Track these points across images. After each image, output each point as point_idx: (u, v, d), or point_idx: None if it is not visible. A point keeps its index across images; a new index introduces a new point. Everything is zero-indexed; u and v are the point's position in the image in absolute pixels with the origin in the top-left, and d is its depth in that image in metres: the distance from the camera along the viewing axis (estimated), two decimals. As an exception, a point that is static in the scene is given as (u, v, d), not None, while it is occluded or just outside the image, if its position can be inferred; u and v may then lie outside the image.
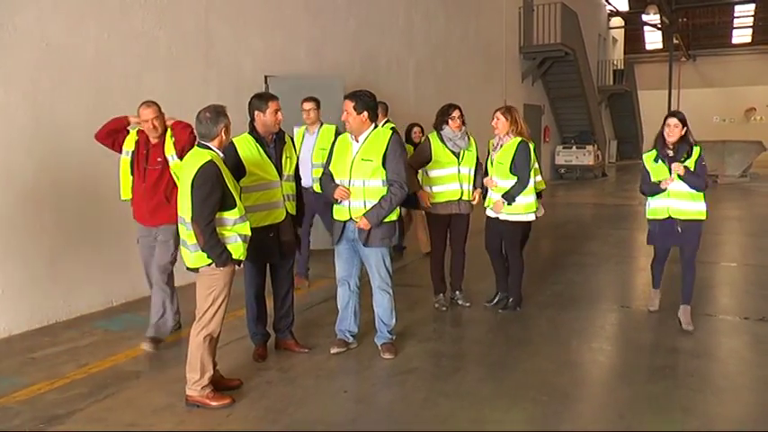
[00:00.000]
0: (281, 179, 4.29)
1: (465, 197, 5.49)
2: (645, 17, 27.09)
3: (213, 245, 3.62)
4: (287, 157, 4.36)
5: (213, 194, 3.58)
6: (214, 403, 3.73)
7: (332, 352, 4.55)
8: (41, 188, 5.34)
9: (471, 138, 5.57)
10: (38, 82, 5.32)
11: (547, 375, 4.26)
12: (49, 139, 5.40)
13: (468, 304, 5.71)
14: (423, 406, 3.84)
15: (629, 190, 16.96)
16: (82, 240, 5.63)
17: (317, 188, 5.81)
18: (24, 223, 5.22)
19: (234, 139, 4.17)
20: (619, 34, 30.06)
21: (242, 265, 3.97)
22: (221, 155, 3.75)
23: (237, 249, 3.74)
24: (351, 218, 4.37)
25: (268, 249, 4.30)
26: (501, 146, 5.30)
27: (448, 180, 5.42)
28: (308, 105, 6.12)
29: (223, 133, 3.72)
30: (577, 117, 19.76)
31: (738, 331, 5.22)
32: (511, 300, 5.59)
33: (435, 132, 5.49)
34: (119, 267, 5.86)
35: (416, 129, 7.76)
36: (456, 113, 5.42)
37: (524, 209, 5.33)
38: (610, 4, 26.66)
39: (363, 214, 4.30)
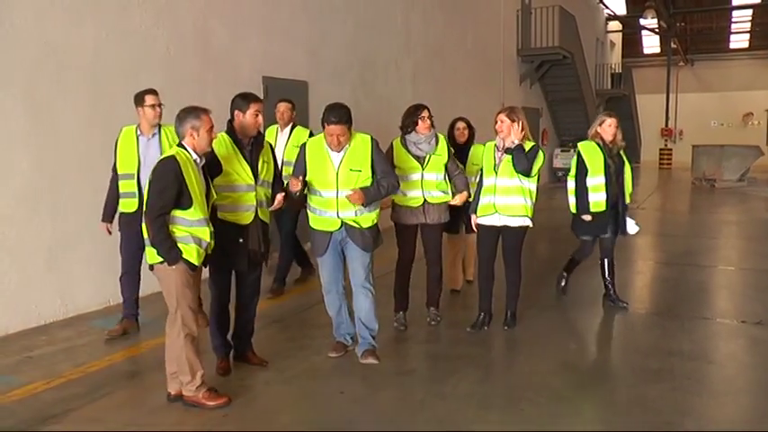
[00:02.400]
0: (255, 183, 4.10)
1: (433, 203, 5.05)
2: (642, 21, 27.21)
3: (161, 240, 3.56)
4: (264, 162, 4.17)
5: (168, 190, 3.54)
6: (210, 403, 3.72)
7: (330, 356, 4.48)
8: (39, 186, 5.33)
9: (442, 139, 5.15)
10: (36, 80, 5.31)
11: (544, 377, 4.25)
12: (46, 137, 5.39)
13: (434, 323, 5.23)
14: (420, 407, 3.83)
15: (626, 193, 16.98)
16: (79, 239, 5.61)
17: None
18: (21, 222, 5.21)
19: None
20: (617, 38, 30.13)
21: (196, 271, 3.76)
22: (194, 156, 3.68)
23: (190, 252, 3.62)
24: (343, 224, 4.28)
25: (234, 256, 4.10)
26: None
27: (410, 187, 4.99)
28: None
29: (194, 134, 3.66)
30: (575, 120, 19.75)
31: (736, 334, 5.22)
32: (509, 314, 5.19)
33: (399, 137, 5.10)
34: (115, 267, 5.85)
35: (460, 124, 6.14)
36: (425, 113, 5.04)
37: (525, 210, 4.95)
38: (607, 7, 26.71)
39: (360, 187, 4.18)
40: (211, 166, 3.94)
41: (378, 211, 4.41)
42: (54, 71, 5.48)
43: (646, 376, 4.27)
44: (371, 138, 4.31)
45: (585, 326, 5.41)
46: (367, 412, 3.76)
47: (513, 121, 4.87)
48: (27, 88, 5.25)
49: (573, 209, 5.78)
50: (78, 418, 3.68)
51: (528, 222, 4.98)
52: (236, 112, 4.07)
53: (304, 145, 4.38)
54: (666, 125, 28.78)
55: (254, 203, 4.10)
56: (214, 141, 3.94)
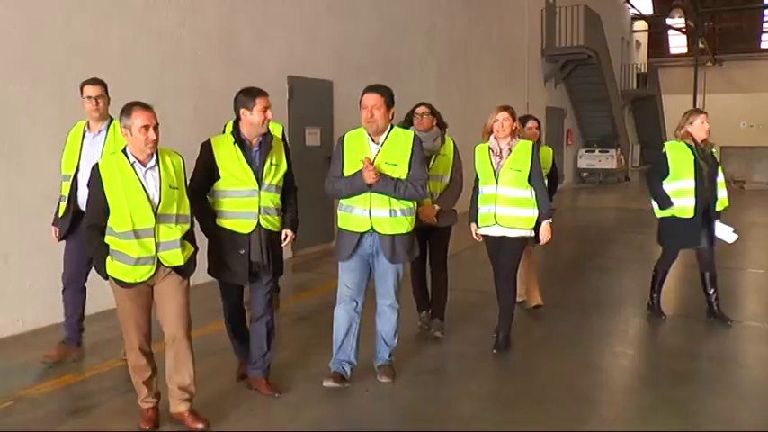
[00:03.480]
0: (259, 188, 3.66)
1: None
2: (669, 21, 26.80)
3: (92, 252, 3.41)
4: (272, 164, 3.72)
5: (92, 199, 3.33)
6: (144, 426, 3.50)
7: (324, 385, 3.91)
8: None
9: (450, 140, 4.90)
10: (65, 80, 5.39)
11: (569, 378, 4.22)
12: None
13: (438, 334, 4.90)
14: (444, 406, 3.83)
15: (652, 195, 16.77)
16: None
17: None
18: (52, 219, 5.29)
19: (212, 138, 3.77)
20: (642, 38, 29.77)
21: (136, 289, 3.38)
22: (131, 158, 3.27)
23: (116, 268, 3.30)
24: (372, 228, 3.85)
25: (233, 268, 3.72)
26: (510, 150, 4.46)
27: None
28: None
29: (127, 134, 3.26)
30: (600, 121, 19.59)
31: (765, 338, 5.14)
32: (501, 336, 4.67)
33: None
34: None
35: (532, 123, 5.61)
36: (421, 110, 4.79)
37: (529, 222, 4.48)
38: (633, 7, 26.41)
39: (383, 173, 3.78)
40: (210, 171, 3.66)
41: (413, 218, 3.96)
42: (82, 71, 5.54)
43: (673, 378, 4.21)
44: (415, 135, 3.98)
45: (610, 327, 5.35)
46: (391, 410, 3.76)
47: (515, 120, 4.47)
48: (57, 88, 5.33)
49: (657, 213, 5.38)
50: (105, 411, 3.74)
51: (529, 233, 4.54)
52: (241, 110, 3.68)
53: (342, 138, 4.00)
54: (693, 126, 28.35)
55: (256, 210, 3.68)
56: (214, 141, 3.71)
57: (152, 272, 3.31)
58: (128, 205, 3.21)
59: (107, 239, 3.29)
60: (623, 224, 11.96)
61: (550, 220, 4.50)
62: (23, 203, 5.20)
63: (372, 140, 3.88)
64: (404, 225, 3.89)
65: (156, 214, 3.26)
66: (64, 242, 4.43)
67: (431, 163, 4.71)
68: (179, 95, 6.47)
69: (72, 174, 4.26)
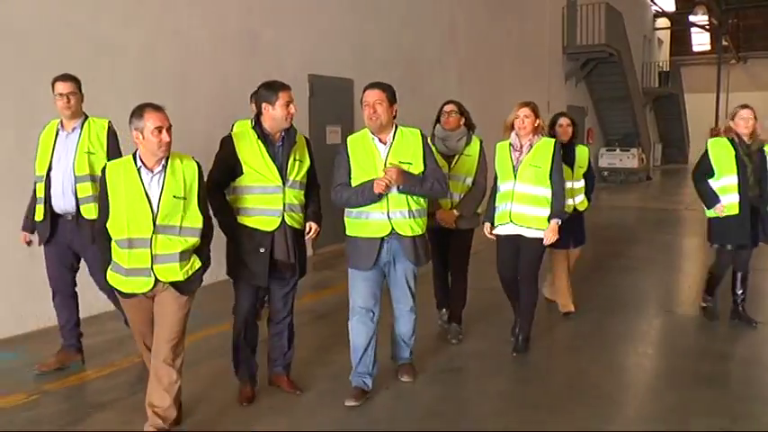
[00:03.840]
0: (283, 185, 3.58)
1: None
2: (692, 18, 26.50)
3: (99, 255, 3.36)
4: (296, 161, 3.64)
5: (100, 201, 3.22)
6: None
7: (347, 404, 3.73)
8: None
9: (477, 141, 4.75)
10: (89, 79, 5.43)
11: (592, 378, 4.19)
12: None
13: (455, 341, 4.78)
14: (465, 405, 3.82)
15: (674, 194, 16.60)
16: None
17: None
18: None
19: (234, 133, 3.73)
20: (665, 35, 29.44)
21: (135, 299, 3.26)
22: (139, 163, 3.12)
23: (111, 277, 3.22)
24: (393, 230, 3.67)
25: (253, 268, 3.60)
26: (531, 146, 4.33)
27: None
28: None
29: (138, 137, 3.07)
30: (622, 119, 19.41)
31: (792, 339, 5.05)
32: (521, 338, 4.58)
33: (431, 133, 4.74)
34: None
35: (564, 120, 5.31)
36: (448, 108, 4.68)
37: (544, 223, 4.32)
38: (655, 4, 26.15)
39: (402, 170, 3.62)
40: (232, 167, 3.56)
41: (425, 219, 3.85)
42: (106, 70, 5.62)
43: (698, 380, 4.16)
44: (421, 131, 3.83)
45: (633, 328, 5.30)
46: (412, 409, 3.75)
47: (537, 117, 4.32)
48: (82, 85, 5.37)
49: (707, 213, 5.19)
50: (127, 407, 3.76)
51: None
52: (263, 105, 3.56)
53: (345, 143, 3.83)
54: (716, 125, 28.00)
55: (281, 207, 3.58)
56: (235, 136, 3.61)
57: (150, 285, 3.14)
58: (126, 212, 3.06)
59: (113, 249, 3.19)
60: (645, 224, 11.84)
61: (559, 221, 4.32)
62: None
63: (380, 141, 3.71)
64: (420, 226, 3.78)
65: (154, 224, 3.08)
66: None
67: (453, 163, 4.64)
68: (200, 95, 6.51)
69: (44, 174, 4.05)
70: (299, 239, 3.73)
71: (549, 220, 4.28)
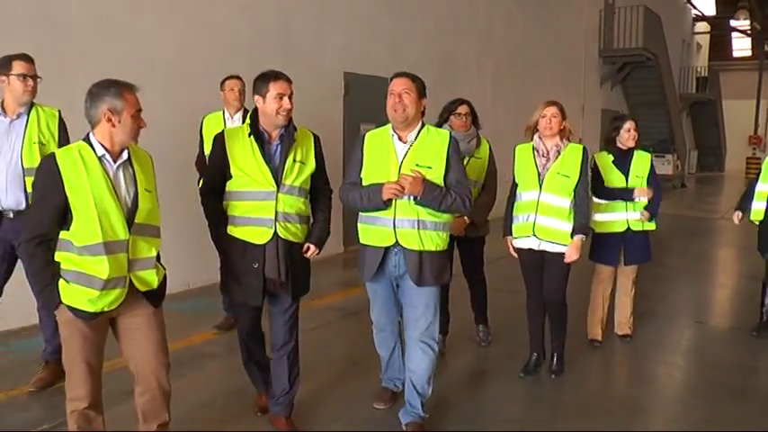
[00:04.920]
0: (277, 189, 3.09)
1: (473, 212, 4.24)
2: (733, 22, 26.04)
3: (35, 272, 2.62)
4: (295, 162, 3.15)
5: (43, 200, 2.55)
6: None
7: (375, 407, 3.69)
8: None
9: (486, 142, 4.50)
10: (128, 73, 5.51)
11: (620, 387, 4.17)
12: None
13: (484, 344, 4.74)
14: (494, 408, 3.81)
15: (709, 202, 16.33)
16: (163, 225, 5.82)
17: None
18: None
19: (226, 131, 3.27)
20: (704, 40, 28.93)
21: (97, 321, 2.65)
22: (101, 151, 2.56)
23: (75, 294, 2.56)
24: (396, 242, 3.19)
25: (245, 286, 3.19)
26: (559, 152, 3.96)
27: None
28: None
29: (112, 120, 2.54)
30: (657, 125, 19.11)
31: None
32: (555, 357, 4.29)
33: None
34: (197, 251, 6.05)
35: (629, 124, 4.67)
36: (462, 109, 4.34)
37: (567, 238, 3.97)
38: (695, 8, 25.69)
39: (423, 178, 3.11)
40: (222, 169, 3.15)
41: (446, 234, 3.30)
42: (144, 64, 5.72)
43: (728, 393, 4.10)
44: (451, 134, 3.34)
45: (663, 337, 5.23)
46: (439, 410, 3.76)
47: (564, 118, 3.96)
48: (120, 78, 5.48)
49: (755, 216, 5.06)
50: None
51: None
52: (256, 98, 3.13)
53: (362, 137, 3.42)
54: (756, 133, 27.44)
55: (273, 216, 3.10)
56: (227, 134, 3.19)
57: (122, 297, 2.62)
58: (96, 210, 2.50)
59: (58, 257, 2.58)
60: (678, 232, 11.66)
61: (584, 237, 3.98)
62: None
63: (400, 139, 3.25)
64: (434, 241, 3.21)
65: (129, 223, 2.59)
66: None
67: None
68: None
69: None
70: (295, 255, 3.20)
71: (572, 234, 3.94)
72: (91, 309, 2.57)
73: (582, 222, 3.94)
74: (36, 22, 5.01)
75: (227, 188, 3.16)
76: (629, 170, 4.63)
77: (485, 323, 4.82)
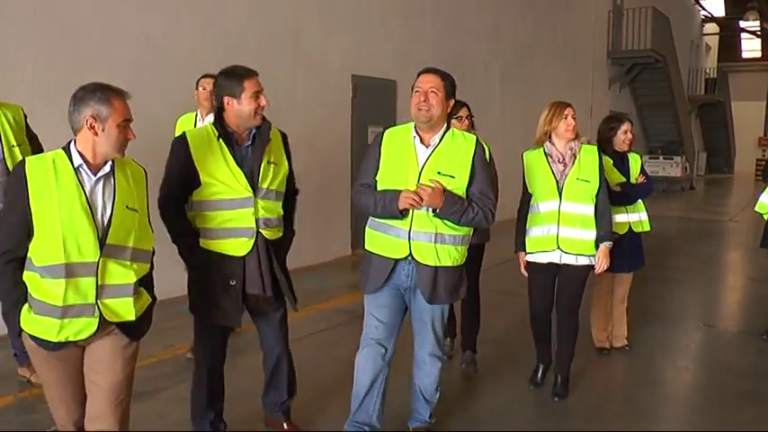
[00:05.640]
0: (254, 195, 2.85)
1: None
2: (743, 23, 25.92)
3: (3, 292, 2.34)
4: (270, 164, 2.91)
5: (9, 213, 2.28)
6: None
7: None
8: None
9: (485, 144, 4.39)
10: (138, 76, 5.57)
11: (630, 391, 4.14)
12: (146, 132, 5.64)
13: (471, 370, 4.27)
14: (502, 412, 3.80)
15: (718, 204, 16.25)
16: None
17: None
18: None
19: (187, 132, 2.94)
20: (712, 41, 28.81)
21: (64, 350, 2.34)
22: (78, 161, 2.27)
23: (33, 322, 2.28)
24: (410, 255, 2.92)
25: (223, 305, 2.88)
26: (574, 156, 3.72)
27: None
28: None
29: (96, 127, 2.25)
30: (665, 127, 19.07)
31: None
32: (560, 379, 3.98)
33: None
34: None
35: (627, 126, 4.50)
36: (464, 112, 4.11)
37: (593, 248, 3.74)
38: (704, 9, 25.58)
39: (444, 189, 2.86)
40: (186, 175, 2.83)
41: (465, 248, 3.06)
42: (154, 66, 5.75)
43: (738, 398, 4.07)
44: (478, 139, 3.07)
45: (673, 341, 5.20)
46: (450, 414, 3.75)
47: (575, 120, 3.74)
48: (129, 82, 5.47)
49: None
50: (170, 396, 3.86)
51: (593, 262, 3.80)
52: (225, 99, 2.84)
53: (381, 134, 3.11)
54: (765, 134, 27.31)
55: (253, 225, 2.85)
56: (190, 137, 2.88)
57: (93, 328, 2.29)
58: (62, 227, 2.20)
59: (25, 276, 2.29)
60: (687, 235, 11.62)
61: (610, 244, 3.78)
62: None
63: (422, 141, 2.97)
64: (451, 256, 2.97)
65: (102, 244, 2.27)
66: None
67: None
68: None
69: None
70: (279, 262, 2.98)
71: (597, 244, 3.72)
72: (53, 338, 2.27)
73: (607, 229, 3.74)
74: (47, 25, 5.04)
75: (194, 197, 2.86)
76: (629, 173, 4.52)
77: (472, 348, 4.31)
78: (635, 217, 4.55)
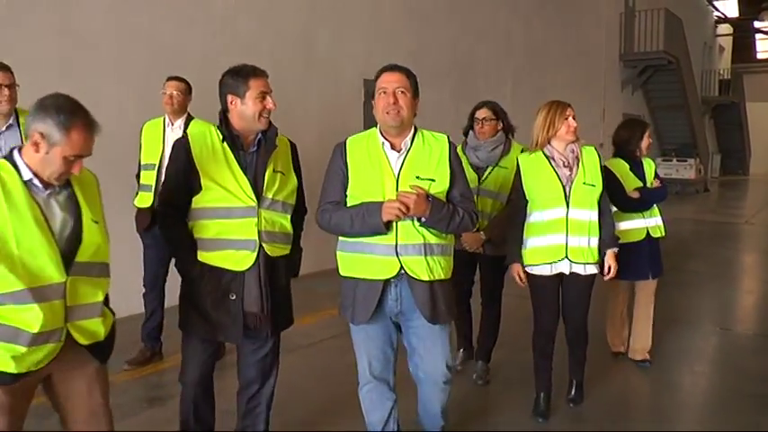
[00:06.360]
0: (258, 205, 2.63)
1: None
2: (757, 24, 25.72)
3: None
4: (276, 172, 2.70)
5: None
6: None
7: None
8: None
9: (517, 150, 3.96)
10: (149, 81, 5.60)
11: (646, 395, 4.11)
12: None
13: (480, 382, 4.17)
14: (514, 414, 3.78)
15: (733, 207, 16.10)
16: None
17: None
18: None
19: (189, 132, 2.82)
20: (726, 42, 28.60)
21: (18, 385, 2.07)
22: (29, 175, 2.04)
23: None
24: (402, 270, 2.63)
25: (222, 320, 2.66)
26: (577, 159, 3.51)
27: None
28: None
29: (39, 143, 2.01)
30: (679, 129, 18.94)
31: None
32: (575, 389, 3.89)
33: (462, 143, 4.02)
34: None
35: (649, 131, 4.51)
36: (480, 114, 3.95)
37: (596, 255, 3.54)
38: (717, 10, 25.41)
39: (427, 194, 2.59)
40: (187, 182, 2.64)
41: (451, 259, 2.80)
42: (166, 72, 5.76)
43: (758, 403, 4.02)
44: (448, 138, 2.79)
45: (689, 345, 5.16)
46: (461, 423, 3.73)
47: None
48: (140, 88, 5.55)
49: None
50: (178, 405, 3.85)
51: (597, 269, 3.58)
52: (229, 98, 2.67)
53: (341, 145, 2.80)
54: (780, 135, 27.05)
55: (256, 237, 2.63)
56: (192, 138, 2.68)
57: (55, 353, 2.08)
58: (18, 249, 1.97)
59: None
60: (701, 237, 11.52)
61: (616, 250, 3.63)
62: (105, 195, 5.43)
63: (392, 147, 2.70)
64: (442, 267, 2.71)
65: (68, 262, 2.06)
66: None
67: (484, 176, 3.92)
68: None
69: None
70: (280, 281, 2.76)
71: (601, 251, 3.54)
72: (13, 370, 2.01)
73: (612, 234, 3.60)
74: (61, 33, 5.09)
75: (193, 205, 2.65)
76: (644, 177, 4.43)
77: (485, 359, 4.23)
78: (652, 222, 4.45)
